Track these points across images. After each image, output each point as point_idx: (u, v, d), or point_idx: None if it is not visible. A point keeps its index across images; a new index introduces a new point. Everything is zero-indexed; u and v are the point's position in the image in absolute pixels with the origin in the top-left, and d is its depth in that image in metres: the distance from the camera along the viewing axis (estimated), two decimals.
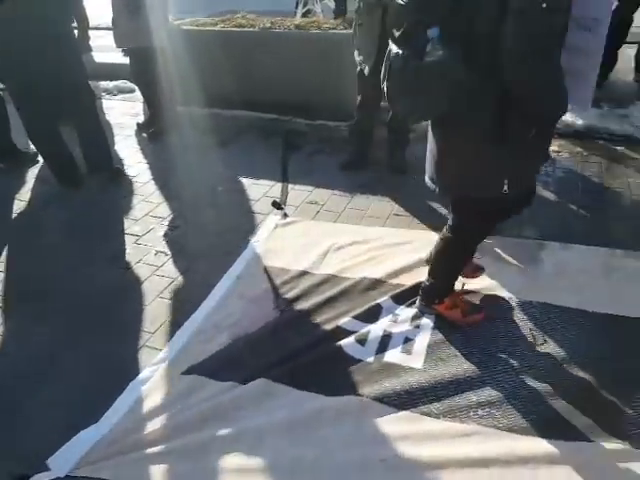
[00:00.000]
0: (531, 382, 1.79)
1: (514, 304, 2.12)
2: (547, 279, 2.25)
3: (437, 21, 1.29)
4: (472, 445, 1.58)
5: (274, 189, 3.20)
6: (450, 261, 1.96)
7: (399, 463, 1.56)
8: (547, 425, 1.63)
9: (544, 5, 1.21)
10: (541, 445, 1.57)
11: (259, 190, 3.21)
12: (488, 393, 1.76)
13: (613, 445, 1.55)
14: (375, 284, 2.28)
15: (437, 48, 1.29)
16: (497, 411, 1.69)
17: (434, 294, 2.01)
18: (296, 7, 5.92)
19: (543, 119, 1.45)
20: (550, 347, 1.92)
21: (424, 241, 2.45)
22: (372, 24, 2.57)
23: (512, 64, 1.28)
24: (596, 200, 2.86)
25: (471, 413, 1.69)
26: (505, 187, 1.55)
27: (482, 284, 2.22)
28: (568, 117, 3.58)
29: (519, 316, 2.07)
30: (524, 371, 1.83)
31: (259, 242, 2.65)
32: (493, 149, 1.47)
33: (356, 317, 2.11)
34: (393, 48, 1.40)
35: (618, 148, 3.38)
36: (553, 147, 3.33)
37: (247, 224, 2.85)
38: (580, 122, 3.60)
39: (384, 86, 1.47)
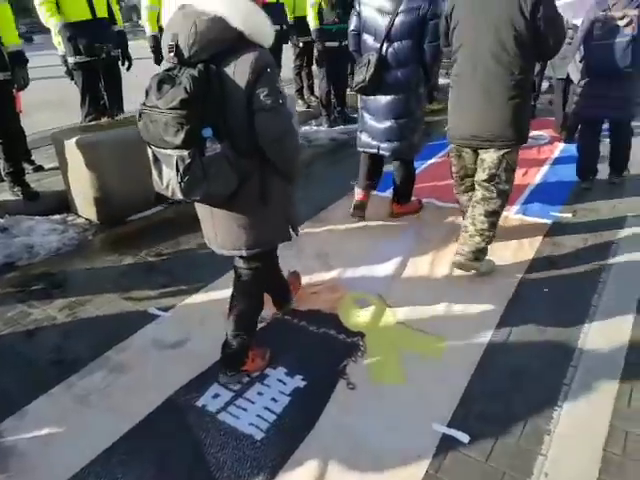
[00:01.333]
0: None
1: None
2: None
3: (209, 123, 1.62)
4: None
5: None
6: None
7: None
8: None
9: (281, 101, 1.67)
10: None
11: None
12: None
13: None
14: None
15: (213, 143, 1.63)
16: None
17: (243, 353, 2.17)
18: None
19: (292, 178, 1.91)
20: None
21: None
22: None
23: (269, 146, 1.72)
24: None
25: None
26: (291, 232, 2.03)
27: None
28: None
29: None
30: None
31: None
32: (263, 209, 1.86)
33: None
34: (172, 153, 1.63)
35: None
36: None
37: None
38: None
39: (177, 184, 1.67)
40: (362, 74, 3.02)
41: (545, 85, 6.62)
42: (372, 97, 3.16)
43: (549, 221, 3.48)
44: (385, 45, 2.99)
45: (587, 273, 2.85)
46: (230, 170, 1.67)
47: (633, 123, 3.84)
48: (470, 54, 2.60)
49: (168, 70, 1.63)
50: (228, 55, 1.62)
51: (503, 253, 3.10)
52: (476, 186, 2.80)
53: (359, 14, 3.11)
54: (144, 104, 1.64)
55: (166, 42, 1.64)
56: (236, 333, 2.08)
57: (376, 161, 3.48)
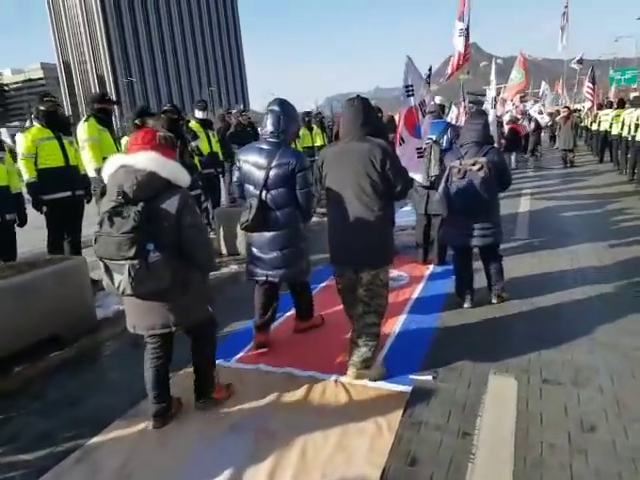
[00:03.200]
0: None
1: None
2: None
3: (150, 239, 2.40)
4: None
5: None
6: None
7: None
8: None
9: (199, 223, 2.60)
10: None
11: None
12: None
13: None
14: None
15: (154, 253, 2.41)
16: None
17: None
18: None
19: (207, 272, 2.80)
20: None
21: None
22: None
23: (192, 251, 2.55)
24: None
25: None
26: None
27: None
28: None
29: None
30: None
31: None
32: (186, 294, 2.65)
33: None
34: (124, 263, 2.39)
35: None
36: None
37: None
38: None
39: (129, 284, 2.40)
40: (246, 215, 3.41)
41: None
42: (257, 233, 3.51)
43: (408, 388, 3.05)
44: (264, 192, 3.43)
45: (453, 460, 2.37)
46: (166, 270, 2.43)
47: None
48: (338, 196, 3.15)
49: (114, 207, 2.41)
50: (162, 194, 2.48)
51: (360, 442, 2.55)
52: (358, 302, 3.21)
53: (240, 168, 3.55)
54: (98, 231, 2.39)
55: (112, 189, 2.48)
56: (201, 376, 2.94)
57: (269, 291, 3.70)
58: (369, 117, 3.15)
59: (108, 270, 2.43)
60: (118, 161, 2.53)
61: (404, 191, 3.19)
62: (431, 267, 5.48)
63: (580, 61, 24.20)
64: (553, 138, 20.34)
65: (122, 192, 2.40)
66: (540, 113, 18.44)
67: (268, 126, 3.44)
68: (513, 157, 14.56)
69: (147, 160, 2.48)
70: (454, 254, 4.48)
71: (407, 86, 4.86)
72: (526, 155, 16.24)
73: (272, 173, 3.37)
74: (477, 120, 4.26)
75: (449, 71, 9.62)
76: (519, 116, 15.64)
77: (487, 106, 11.22)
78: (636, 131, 8.99)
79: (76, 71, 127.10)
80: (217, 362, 3.07)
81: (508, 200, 8.47)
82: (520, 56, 15.27)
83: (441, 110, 5.48)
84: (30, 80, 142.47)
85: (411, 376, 3.19)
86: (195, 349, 2.92)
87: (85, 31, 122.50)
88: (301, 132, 10.02)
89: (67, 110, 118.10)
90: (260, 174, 3.41)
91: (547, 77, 36.78)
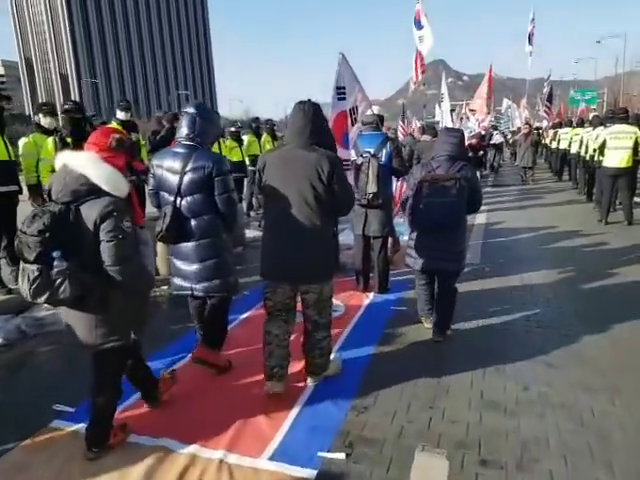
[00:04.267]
0: None
1: None
2: None
3: (60, 246, 2.20)
4: None
5: None
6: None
7: None
8: None
9: (120, 237, 2.25)
10: None
11: None
12: None
13: None
14: None
15: (60, 261, 2.20)
16: None
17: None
18: None
19: (134, 290, 2.45)
20: None
21: None
22: None
23: (110, 268, 2.27)
24: None
25: None
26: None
27: None
28: None
29: None
30: None
31: None
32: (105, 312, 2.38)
33: None
34: (27, 267, 2.20)
35: None
36: None
37: None
38: None
39: (28, 290, 2.21)
40: (160, 225, 3.15)
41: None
42: (181, 244, 3.23)
43: (313, 473, 2.36)
44: (178, 199, 3.14)
45: None
46: (71, 282, 2.20)
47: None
48: (278, 205, 2.92)
49: (43, 207, 2.28)
50: (87, 200, 2.27)
51: None
52: (305, 320, 3.12)
53: (154, 175, 3.26)
54: (20, 229, 2.22)
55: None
56: (97, 419, 2.53)
57: (200, 307, 3.45)
58: (318, 124, 2.94)
59: (23, 271, 2.24)
60: (62, 158, 2.39)
61: (348, 207, 3.09)
62: (371, 296, 4.87)
63: (548, 81, 24.36)
64: (514, 155, 20.37)
65: (49, 191, 2.32)
66: (495, 129, 18.38)
67: (183, 128, 3.19)
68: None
69: (84, 160, 2.34)
70: (416, 277, 4.09)
71: (339, 87, 4.28)
72: (486, 171, 16.11)
73: (186, 178, 3.09)
74: (453, 134, 3.92)
75: (412, 87, 9.68)
76: (483, 132, 15.58)
77: (442, 119, 10.94)
78: (594, 151, 8.71)
79: (38, 69, 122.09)
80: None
81: None
82: (487, 72, 15.10)
83: (380, 121, 4.89)
84: None
85: (320, 454, 2.50)
86: (94, 385, 2.53)
87: (49, 29, 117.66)
88: (247, 138, 9.37)
89: (28, 108, 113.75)
90: (174, 179, 3.13)
91: (511, 95, 37.47)
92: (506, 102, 27.29)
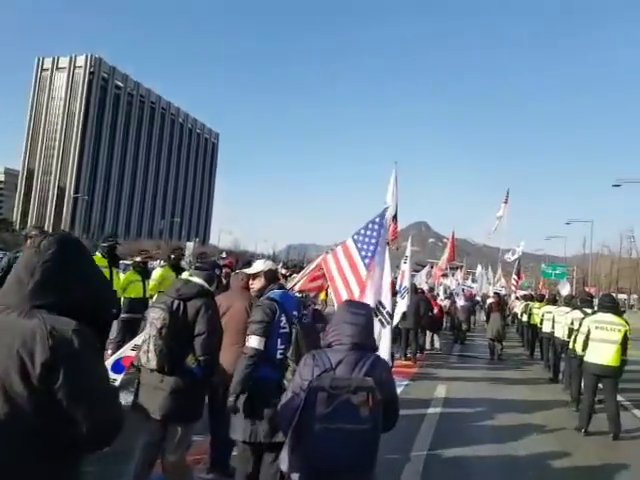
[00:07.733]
0: None
1: None
2: None
3: None
4: None
5: None
6: None
7: None
8: None
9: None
10: None
11: None
12: None
13: None
14: None
15: None
16: None
17: None
18: None
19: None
20: None
21: None
22: None
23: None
24: None
25: None
26: None
27: None
28: None
29: None
30: None
31: None
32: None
33: None
34: None
35: None
36: None
37: None
38: None
39: None
40: None
41: None
42: None
43: None
44: None
45: None
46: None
47: None
48: None
49: None
50: None
51: None
52: None
53: None
54: None
55: None
56: None
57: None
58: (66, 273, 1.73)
59: None
60: None
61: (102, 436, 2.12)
62: None
63: (517, 256, 24.46)
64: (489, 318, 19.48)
65: None
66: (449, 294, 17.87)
67: None
68: (436, 337, 13.08)
69: None
70: None
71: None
72: (452, 337, 14.91)
73: None
74: (359, 311, 2.62)
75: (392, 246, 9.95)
76: (441, 294, 15.16)
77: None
78: (569, 337, 7.39)
79: (38, 181, 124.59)
80: None
81: (419, 391, 7.61)
82: (450, 237, 16.34)
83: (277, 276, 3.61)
84: None
85: None
86: None
87: (59, 145, 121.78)
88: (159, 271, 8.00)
89: (14, 215, 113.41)
90: None
91: (487, 261, 38.30)
92: (479, 268, 27.39)
